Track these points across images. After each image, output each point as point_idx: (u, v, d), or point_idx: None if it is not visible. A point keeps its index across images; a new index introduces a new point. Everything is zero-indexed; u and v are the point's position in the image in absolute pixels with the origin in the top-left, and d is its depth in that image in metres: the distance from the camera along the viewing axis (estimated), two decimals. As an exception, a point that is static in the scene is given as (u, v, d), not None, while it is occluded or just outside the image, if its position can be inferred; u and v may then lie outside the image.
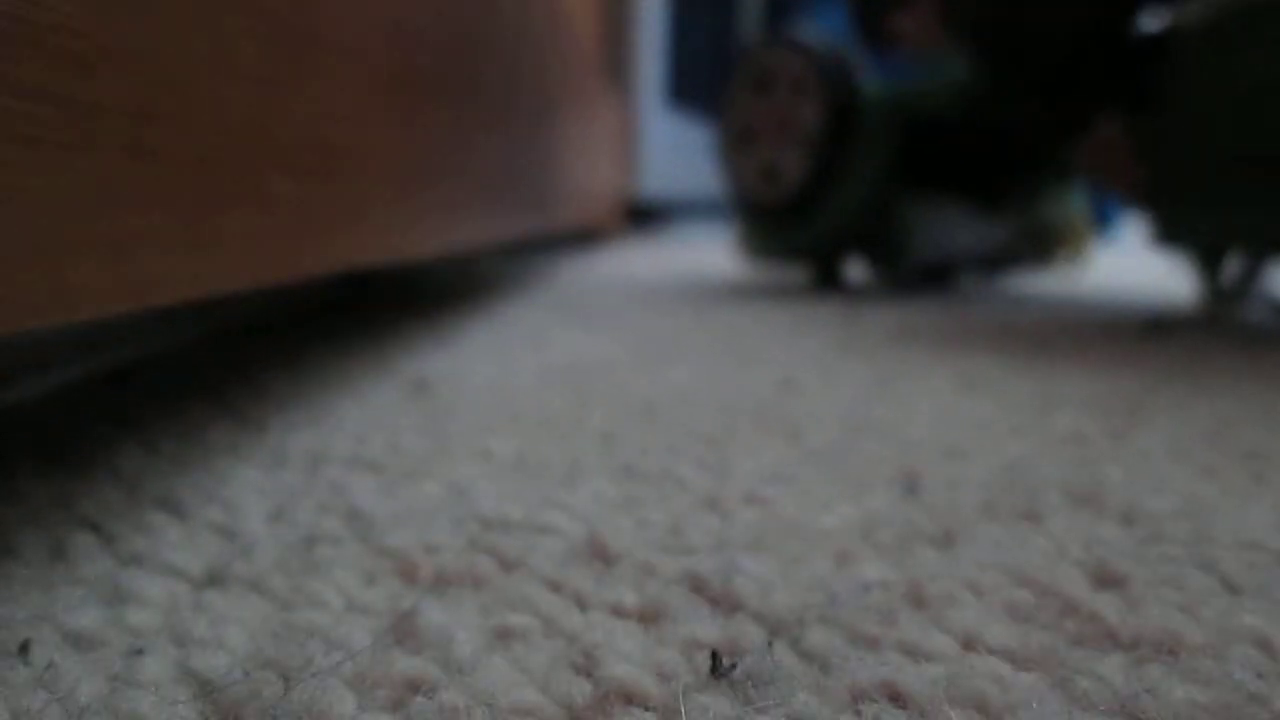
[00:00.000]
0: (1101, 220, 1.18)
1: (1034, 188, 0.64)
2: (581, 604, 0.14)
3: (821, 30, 0.62)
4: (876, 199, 0.60)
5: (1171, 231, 0.47)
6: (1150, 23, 0.50)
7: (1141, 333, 0.43)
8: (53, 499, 0.18)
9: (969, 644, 0.13)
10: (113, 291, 0.15)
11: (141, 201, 0.16)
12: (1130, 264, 0.92)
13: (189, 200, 0.17)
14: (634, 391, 0.28)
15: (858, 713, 0.11)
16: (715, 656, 0.12)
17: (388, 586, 0.14)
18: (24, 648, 0.12)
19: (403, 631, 0.13)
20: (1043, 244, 0.64)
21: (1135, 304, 0.57)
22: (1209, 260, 0.49)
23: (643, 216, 1.39)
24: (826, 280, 0.66)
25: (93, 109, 0.14)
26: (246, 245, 0.20)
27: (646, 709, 0.11)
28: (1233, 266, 0.49)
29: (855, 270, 0.67)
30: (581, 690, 0.11)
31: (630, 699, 0.11)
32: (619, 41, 1.28)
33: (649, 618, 0.14)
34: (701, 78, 1.47)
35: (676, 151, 1.38)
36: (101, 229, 0.15)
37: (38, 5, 0.13)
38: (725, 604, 0.14)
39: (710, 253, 0.98)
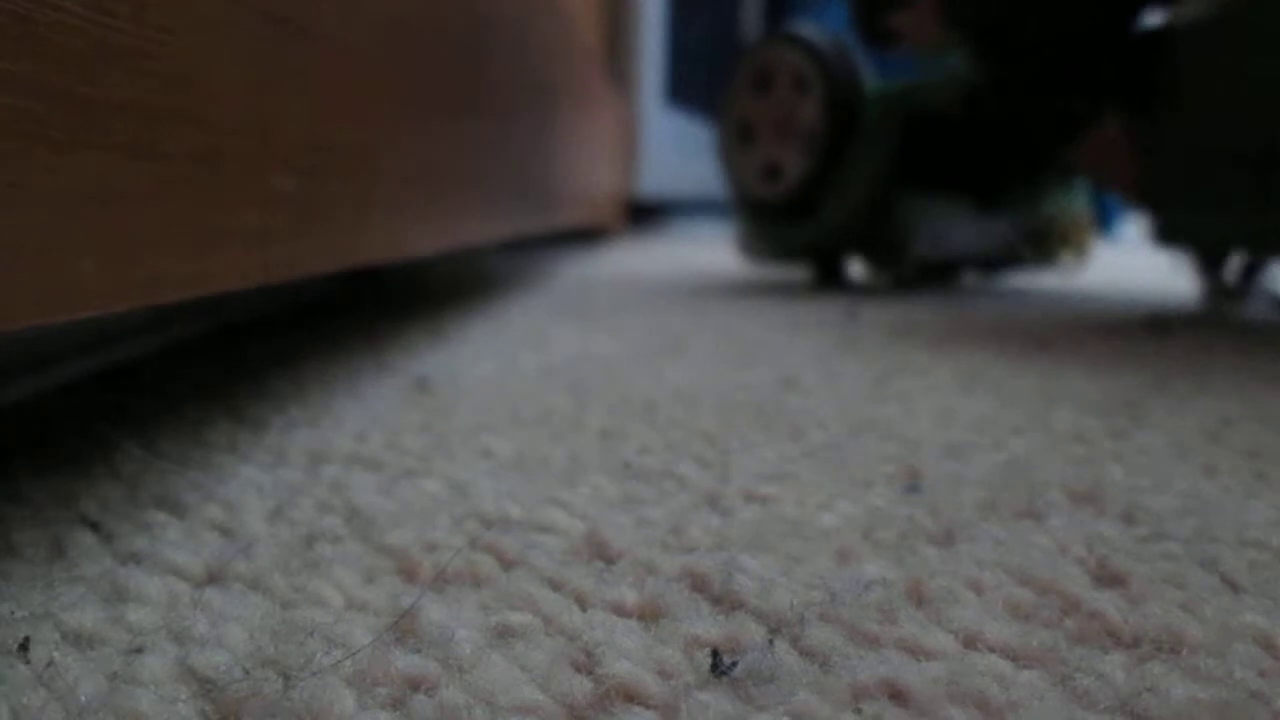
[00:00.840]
0: (1103, 218, 1.18)
1: (1036, 185, 0.64)
2: (582, 602, 0.14)
3: (823, 27, 0.62)
4: (877, 197, 0.60)
5: (1170, 232, 0.47)
6: (1151, 20, 0.50)
7: (1143, 330, 0.43)
8: (52, 497, 0.18)
9: (970, 642, 0.13)
10: (114, 290, 0.15)
11: (142, 200, 0.16)
12: (1131, 261, 0.92)
13: (190, 199, 0.17)
14: (634, 389, 0.28)
15: (858, 711, 0.11)
16: (716, 655, 0.12)
17: (388, 585, 0.14)
18: (24, 646, 0.12)
19: (403, 629, 0.13)
20: (1045, 242, 0.64)
21: (1136, 302, 0.57)
22: (1210, 258, 0.49)
23: (643, 214, 1.39)
24: (827, 279, 0.65)
25: (93, 107, 0.14)
26: (248, 244, 0.20)
27: (647, 707, 0.11)
28: (1234, 264, 0.49)
29: (856, 269, 0.67)
30: (582, 688, 0.11)
31: (631, 697, 0.11)
32: (620, 40, 1.28)
33: (649, 616, 0.13)
34: (701, 76, 1.47)
35: (676, 150, 1.38)
36: (102, 227, 0.15)
37: (40, 3, 0.13)
38: (726, 602, 0.14)
39: (710, 251, 0.98)
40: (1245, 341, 0.40)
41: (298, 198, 0.22)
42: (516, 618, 0.13)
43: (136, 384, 0.28)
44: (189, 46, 0.17)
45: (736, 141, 0.65)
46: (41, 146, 0.13)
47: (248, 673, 0.12)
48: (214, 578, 0.15)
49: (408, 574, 0.15)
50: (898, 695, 0.11)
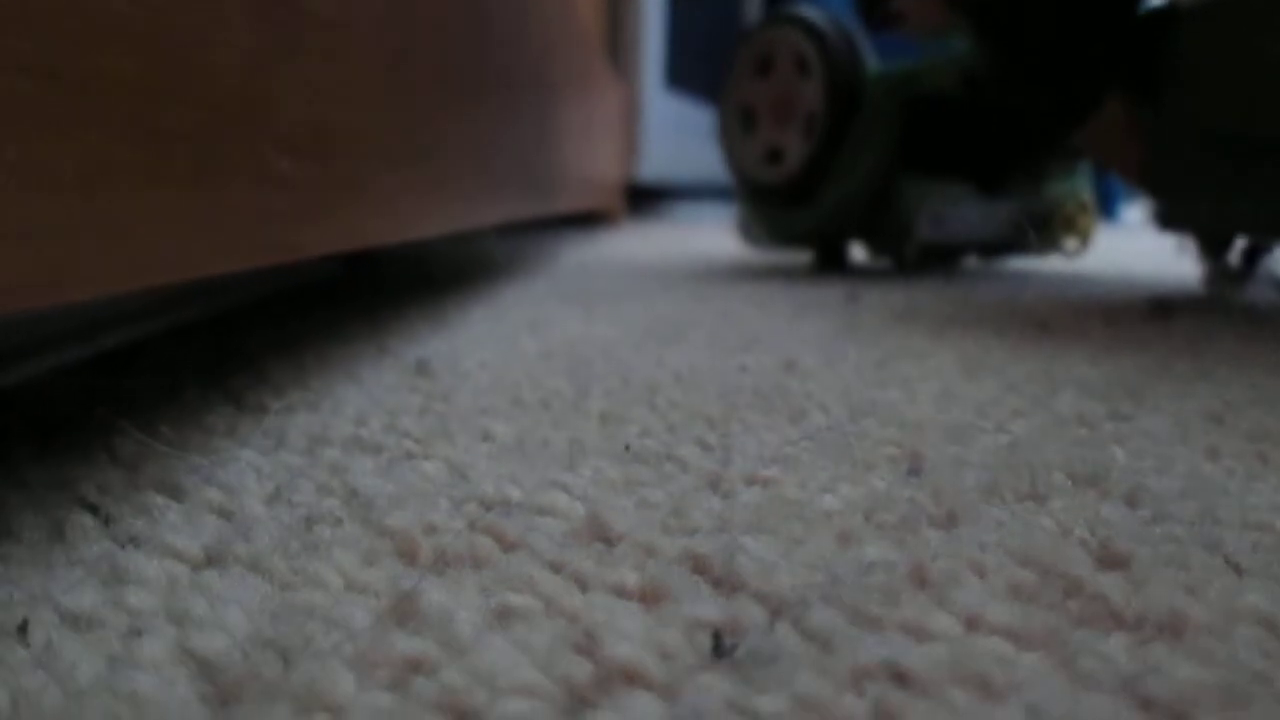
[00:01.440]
0: (1105, 202, 1.18)
1: (1039, 170, 0.64)
2: (582, 584, 0.14)
3: (824, 9, 0.62)
4: (879, 181, 0.60)
5: (1173, 216, 0.47)
6: (1155, 1, 0.49)
7: (1146, 314, 0.43)
8: (51, 481, 0.18)
9: (972, 624, 0.13)
10: (110, 272, 0.15)
11: (139, 181, 0.16)
12: (1134, 245, 0.91)
13: (187, 180, 0.17)
14: (634, 373, 0.28)
15: (860, 692, 0.11)
16: (717, 637, 0.12)
17: (388, 567, 0.14)
18: (22, 628, 0.12)
19: (403, 612, 0.13)
20: (1047, 227, 0.64)
21: (1139, 285, 0.57)
22: (1213, 242, 0.49)
23: (643, 199, 1.39)
24: (828, 263, 0.65)
25: (89, 85, 0.14)
26: (245, 226, 0.20)
27: (648, 689, 0.11)
28: (1237, 248, 0.49)
29: (857, 253, 0.67)
30: (582, 670, 0.11)
31: (632, 679, 0.11)
32: (620, 23, 1.27)
33: (650, 598, 0.13)
34: (702, 60, 1.46)
35: (677, 134, 1.38)
36: (98, 209, 0.15)
37: (32, -19, 0.13)
38: (727, 584, 0.14)
39: (711, 236, 0.98)
40: (1248, 325, 0.40)
41: (296, 179, 0.22)
42: (517, 600, 0.13)
43: (136, 368, 0.28)
44: (186, 25, 0.17)
45: (737, 126, 0.65)
46: (37, 126, 0.13)
47: (247, 655, 0.12)
48: (213, 560, 0.15)
49: (408, 556, 0.15)
50: (900, 677, 0.11)
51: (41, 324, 0.26)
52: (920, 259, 0.62)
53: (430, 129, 0.33)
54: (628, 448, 0.20)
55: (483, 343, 0.33)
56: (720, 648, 0.12)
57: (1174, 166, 0.46)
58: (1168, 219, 0.47)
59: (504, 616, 0.13)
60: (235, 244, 0.19)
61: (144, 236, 0.16)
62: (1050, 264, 0.70)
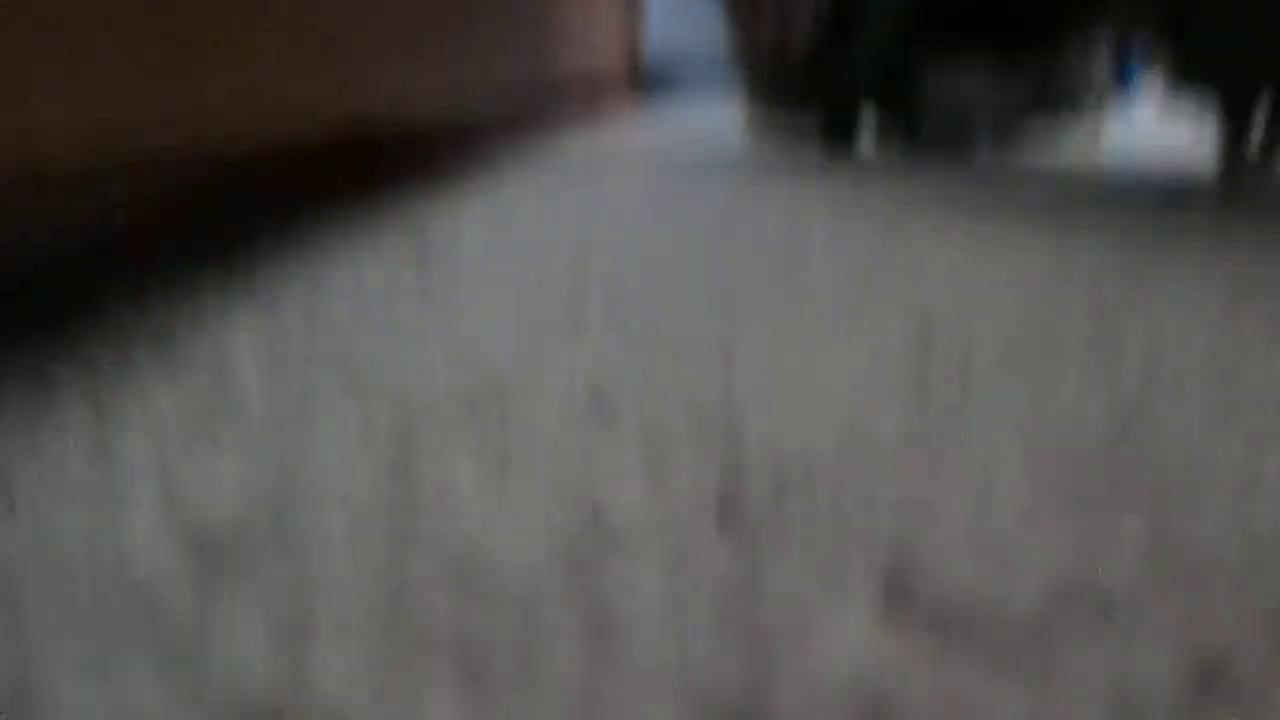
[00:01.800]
0: (1122, 81, 1.15)
1: (1057, 44, 0.62)
2: (585, 454, 0.13)
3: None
4: (891, 53, 0.58)
5: (1189, 69, 0.45)
6: None
7: (1161, 200, 0.42)
8: (48, 358, 0.17)
9: (985, 495, 0.12)
10: (84, 133, 0.15)
11: (120, 51, 0.15)
12: (1149, 134, 0.90)
13: (173, 51, 0.16)
14: (638, 254, 0.27)
15: (869, 561, 0.11)
16: (723, 505, 0.12)
17: (384, 439, 0.14)
18: (9, 499, 0.12)
19: (399, 482, 0.12)
20: (1063, 100, 0.62)
21: (1153, 174, 0.55)
22: (1233, 114, 0.47)
23: (647, 86, 1.36)
24: (839, 145, 0.64)
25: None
26: (240, 97, 0.19)
27: (652, 557, 0.11)
28: (1255, 137, 0.48)
29: (867, 147, 0.66)
30: (585, 539, 0.11)
31: (636, 548, 0.11)
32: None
33: (655, 468, 0.13)
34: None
35: (682, 20, 1.34)
36: (76, 76, 0.14)
37: None
38: (733, 455, 0.13)
39: (716, 124, 0.96)
40: (1262, 211, 0.39)
41: (291, 53, 0.21)
42: (518, 470, 0.13)
43: (134, 250, 0.27)
44: None
45: (745, 13, 0.63)
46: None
47: (237, 523, 0.11)
48: (205, 431, 0.14)
49: (405, 429, 0.14)
50: (908, 546, 0.11)
51: (46, 209, 0.26)
52: (933, 133, 0.60)
53: (431, 8, 0.31)
54: (630, 324, 0.20)
55: (485, 225, 0.32)
56: (726, 516, 0.12)
57: (1200, 16, 0.44)
58: (1184, 73, 0.45)
59: (504, 487, 0.12)
60: (227, 113, 0.19)
61: (115, 99, 0.15)
62: (1063, 150, 0.69)
